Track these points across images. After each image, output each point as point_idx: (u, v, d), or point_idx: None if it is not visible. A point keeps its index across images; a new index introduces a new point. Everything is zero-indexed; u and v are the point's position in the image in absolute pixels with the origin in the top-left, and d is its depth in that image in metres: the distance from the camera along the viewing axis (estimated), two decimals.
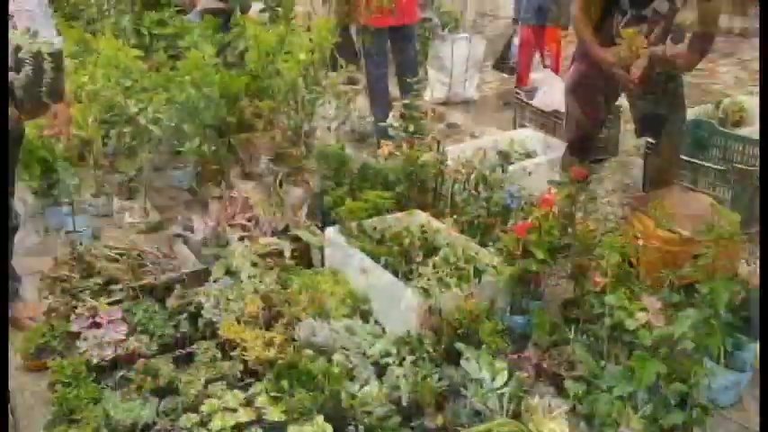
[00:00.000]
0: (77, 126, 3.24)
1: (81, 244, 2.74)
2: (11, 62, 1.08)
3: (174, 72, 3.29)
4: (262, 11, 4.61)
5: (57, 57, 1.12)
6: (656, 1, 2.78)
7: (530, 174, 3.28)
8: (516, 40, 5.25)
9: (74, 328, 2.30)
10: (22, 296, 2.64)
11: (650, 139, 3.21)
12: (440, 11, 5.45)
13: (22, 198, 3.22)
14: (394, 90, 4.59)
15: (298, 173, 3.64)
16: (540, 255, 2.27)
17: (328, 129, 3.66)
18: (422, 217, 2.83)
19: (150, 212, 3.37)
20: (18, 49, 1.08)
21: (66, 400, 1.95)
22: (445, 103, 5.27)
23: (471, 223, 2.73)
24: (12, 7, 2.31)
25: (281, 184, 3.34)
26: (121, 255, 2.78)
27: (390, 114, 4.52)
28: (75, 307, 2.41)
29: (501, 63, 5.60)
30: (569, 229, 2.38)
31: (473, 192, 2.83)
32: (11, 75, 1.08)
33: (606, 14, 2.82)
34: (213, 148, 3.30)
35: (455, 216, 2.79)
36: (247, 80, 3.31)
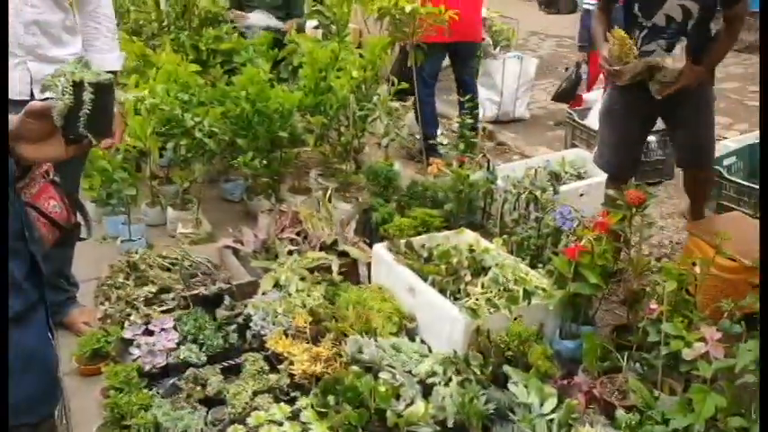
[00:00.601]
0: (136, 138, 3.34)
1: (136, 252, 2.80)
2: (56, 91, 1.11)
3: (230, 87, 3.37)
4: (315, 27, 4.70)
5: (103, 89, 1.11)
6: (665, 6, 2.72)
7: (581, 195, 3.24)
8: (584, 69, 5.14)
9: (127, 334, 2.36)
10: (79, 301, 2.73)
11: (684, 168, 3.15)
12: (492, 30, 5.45)
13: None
14: (444, 107, 4.61)
15: (347, 188, 3.67)
16: (592, 279, 2.22)
17: (378, 145, 3.68)
18: (470, 236, 2.81)
19: (202, 223, 3.44)
20: (62, 77, 1.10)
21: (117, 406, 2.00)
22: (495, 122, 5.25)
23: (521, 244, 2.69)
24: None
25: (330, 199, 3.37)
26: (174, 264, 2.84)
27: (440, 132, 4.55)
28: (130, 314, 2.47)
29: (565, 95, 5.31)
30: (623, 254, 2.32)
31: (523, 212, 2.80)
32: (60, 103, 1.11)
33: (627, 30, 2.77)
34: (265, 162, 3.36)
35: (504, 236, 2.76)
36: (300, 96, 3.36)
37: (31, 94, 2.23)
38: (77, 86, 1.08)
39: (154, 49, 4.26)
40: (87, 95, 1.09)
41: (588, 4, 4.73)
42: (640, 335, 2.12)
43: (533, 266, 2.56)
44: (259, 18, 4.44)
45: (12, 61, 2.18)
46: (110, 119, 1.14)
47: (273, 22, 4.32)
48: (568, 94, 5.21)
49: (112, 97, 1.14)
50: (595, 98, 4.33)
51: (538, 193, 2.80)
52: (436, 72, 4.37)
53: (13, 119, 1.10)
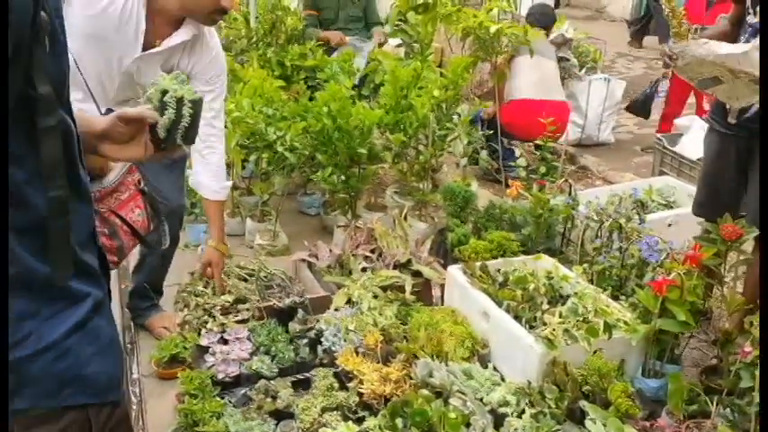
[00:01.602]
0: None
1: None
2: (156, 103, 1.19)
3: (312, 103, 3.42)
4: (398, 46, 4.72)
5: (197, 104, 1.21)
6: None
7: (669, 225, 3.08)
8: (663, 85, 4.97)
9: (204, 342, 2.41)
10: (160, 306, 2.82)
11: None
12: (577, 50, 5.32)
13: None
14: None
15: (423, 207, 3.65)
16: (680, 315, 2.10)
17: (456, 165, 3.64)
18: (548, 262, 2.72)
19: (279, 236, 3.50)
20: (165, 92, 1.18)
21: (191, 412, 2.04)
22: (578, 145, 5.11)
23: (603, 274, 2.58)
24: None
25: (405, 218, 3.35)
26: (251, 275, 2.90)
27: (519, 153, 4.46)
28: (207, 322, 2.53)
29: (638, 108, 5.28)
30: (716, 291, 2.18)
31: (606, 240, 2.69)
32: (154, 114, 1.19)
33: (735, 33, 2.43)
34: (343, 177, 3.38)
35: (585, 264, 2.66)
36: (381, 114, 3.37)
37: None
38: (178, 101, 1.18)
39: (242, 64, 4.40)
40: (187, 110, 1.19)
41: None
42: (732, 378, 1.98)
43: (615, 298, 2.45)
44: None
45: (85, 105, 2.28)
46: (197, 131, 1.25)
47: (361, 60, 4.36)
48: (641, 108, 5.07)
49: (201, 111, 1.25)
50: (687, 124, 4.13)
51: (622, 221, 2.68)
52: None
53: (102, 120, 1.17)
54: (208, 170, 2.43)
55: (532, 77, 4.16)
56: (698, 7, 4.90)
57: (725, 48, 2.11)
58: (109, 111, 2.32)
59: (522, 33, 3.54)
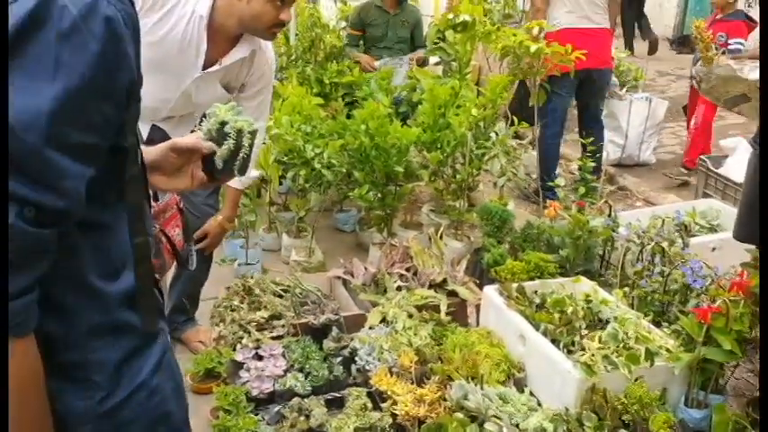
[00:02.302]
0: (259, 165, 3.48)
1: (251, 277, 2.89)
2: (213, 134, 1.19)
3: (350, 120, 3.44)
4: (436, 64, 4.73)
5: (254, 135, 1.21)
6: None
7: (713, 249, 2.99)
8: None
9: (238, 357, 2.42)
10: (196, 320, 2.85)
11: None
12: (618, 69, 5.25)
13: None
14: (562, 147, 4.47)
15: (459, 226, 3.62)
16: (726, 344, 2.03)
17: (494, 184, 3.61)
18: (587, 285, 2.67)
19: (315, 252, 3.51)
20: (224, 123, 1.18)
21: (225, 428, 2.04)
22: (618, 165, 5.02)
23: (644, 298, 2.52)
24: None
25: (441, 237, 3.33)
26: (286, 291, 2.91)
27: (558, 172, 4.40)
28: (242, 337, 2.54)
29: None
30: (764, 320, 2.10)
31: (647, 264, 2.62)
32: (211, 144, 1.19)
33: None
34: (379, 195, 3.39)
35: (625, 288, 2.60)
36: (418, 132, 3.37)
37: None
38: (238, 132, 1.18)
39: (281, 81, 4.46)
40: (246, 140, 1.19)
41: (738, 43, 4.44)
42: None
43: (657, 324, 2.39)
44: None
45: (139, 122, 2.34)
46: (250, 161, 1.25)
47: (400, 78, 4.37)
48: None
49: (255, 141, 1.24)
50: (733, 146, 4.03)
51: (665, 244, 2.62)
52: (566, 109, 4.21)
53: (153, 150, 1.17)
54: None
55: (568, 2, 3.99)
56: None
57: (747, 68, 2.06)
58: (154, 127, 2.36)
59: (563, 50, 3.50)
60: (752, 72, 2.12)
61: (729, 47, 4.40)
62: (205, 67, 2.20)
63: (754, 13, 4.93)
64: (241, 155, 1.18)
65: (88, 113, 0.78)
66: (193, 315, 2.86)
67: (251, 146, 1.19)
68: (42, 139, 0.74)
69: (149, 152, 1.16)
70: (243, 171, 1.21)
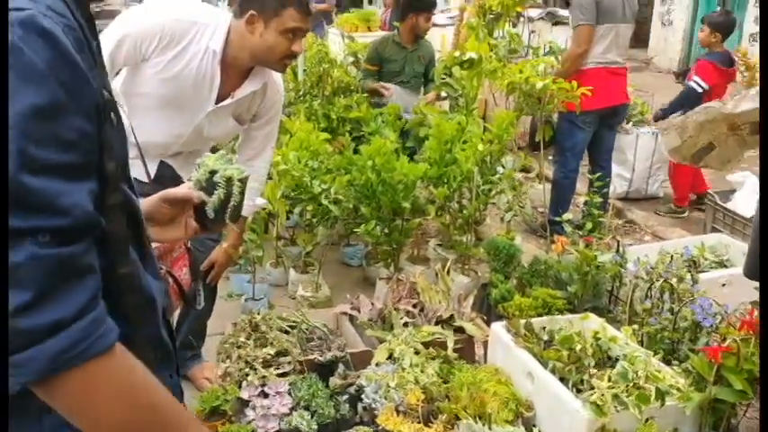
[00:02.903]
0: (266, 197, 3.50)
1: (258, 313, 2.89)
2: (203, 183, 1.20)
3: (357, 156, 3.47)
4: (443, 98, 4.78)
5: (244, 183, 1.22)
6: None
7: (723, 285, 2.97)
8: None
9: (244, 395, 2.40)
10: (203, 356, 2.84)
11: None
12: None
13: None
14: None
15: (466, 261, 3.62)
16: (737, 384, 1.99)
17: (501, 219, 3.61)
18: (596, 322, 2.64)
19: (322, 287, 3.50)
20: (213, 172, 1.19)
21: None
22: (625, 199, 5.02)
23: (653, 336, 2.49)
24: None
25: (448, 272, 3.32)
26: (293, 327, 2.89)
27: (569, 209, 4.40)
28: (248, 374, 2.52)
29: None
30: None
31: (657, 301, 2.60)
32: (201, 194, 1.19)
33: None
34: (386, 230, 3.39)
35: (634, 326, 2.57)
36: (425, 168, 3.39)
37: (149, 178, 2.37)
38: (228, 181, 1.19)
39: (289, 116, 4.51)
40: (236, 189, 1.20)
41: (696, 82, 4.45)
42: None
43: (667, 362, 2.35)
44: (398, 99, 4.56)
45: (147, 158, 2.33)
46: (242, 208, 1.26)
47: (409, 113, 4.42)
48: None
49: (246, 188, 1.26)
50: (741, 180, 4.02)
51: (674, 281, 2.60)
52: (585, 146, 4.23)
53: (145, 201, 1.17)
54: (250, 193, 2.54)
55: (603, 43, 4.04)
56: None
57: (730, 103, 2.06)
58: (162, 163, 2.38)
59: (568, 87, 3.53)
60: (741, 104, 2.09)
61: (688, 83, 4.44)
62: (218, 101, 2.23)
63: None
64: (232, 203, 1.19)
65: (57, 132, 0.75)
66: (200, 350, 2.85)
67: (241, 193, 1.20)
68: (16, 167, 0.71)
69: (142, 203, 1.16)
70: (235, 219, 1.23)
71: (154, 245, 1.41)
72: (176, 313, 2.75)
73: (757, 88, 2.01)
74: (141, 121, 2.14)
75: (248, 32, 2.12)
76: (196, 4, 2.35)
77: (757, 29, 9.63)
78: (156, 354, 0.94)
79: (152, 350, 0.92)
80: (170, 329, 1.04)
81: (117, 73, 2.18)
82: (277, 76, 2.38)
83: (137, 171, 1.93)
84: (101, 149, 0.81)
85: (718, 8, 10.09)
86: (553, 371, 2.35)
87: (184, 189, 1.20)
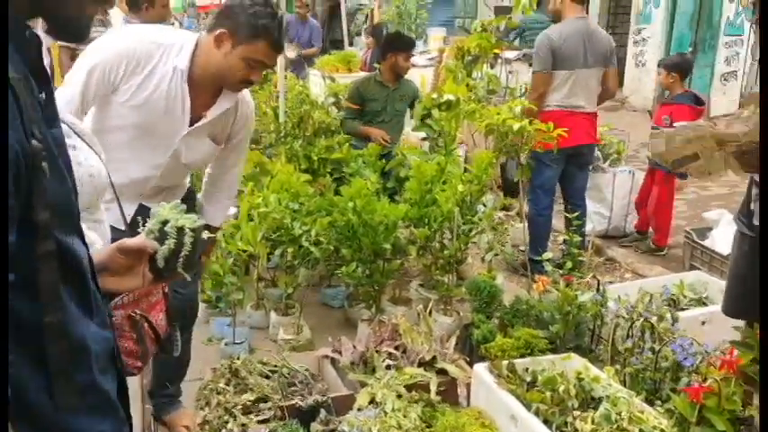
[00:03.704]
0: (247, 242, 3.48)
1: (238, 358, 2.84)
2: (156, 233, 1.19)
3: (338, 198, 3.47)
4: (423, 139, 4.83)
5: (198, 232, 1.22)
6: None
7: (703, 323, 2.99)
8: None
9: None
10: (181, 401, 2.78)
11: None
12: (601, 142, 5.37)
13: None
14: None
15: (448, 301, 3.61)
16: (719, 425, 2.00)
17: (482, 260, 3.62)
18: (579, 362, 2.64)
19: (303, 329, 3.47)
20: (166, 222, 1.20)
21: None
22: (605, 236, 5.07)
23: (636, 376, 2.49)
24: None
25: (430, 312, 3.31)
26: (273, 371, 2.85)
27: (548, 248, 4.43)
28: (227, 422, 2.47)
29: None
30: (756, 399, 2.08)
31: (638, 340, 2.61)
32: (155, 244, 1.19)
33: None
34: (367, 272, 3.38)
35: (617, 366, 2.57)
36: (405, 209, 3.41)
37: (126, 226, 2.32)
38: (179, 231, 1.19)
39: (270, 157, 4.52)
40: (188, 239, 1.20)
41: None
42: None
43: (650, 403, 2.35)
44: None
45: (124, 200, 2.31)
46: (198, 258, 1.26)
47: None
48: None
49: (201, 238, 1.25)
50: (716, 218, 4.09)
51: (654, 320, 2.61)
52: (555, 181, 4.30)
53: (101, 252, 1.17)
54: (221, 206, 2.61)
55: (566, 89, 4.15)
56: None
57: (722, 123, 2.09)
58: (141, 207, 2.35)
59: (546, 128, 3.60)
60: (732, 125, 2.10)
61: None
62: (192, 123, 2.22)
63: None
64: (183, 253, 1.19)
65: None
66: (178, 395, 2.79)
67: (194, 244, 1.19)
68: None
69: (96, 254, 1.15)
70: (189, 269, 1.22)
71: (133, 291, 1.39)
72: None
73: (749, 110, 2.06)
74: (118, 155, 2.12)
75: (214, 47, 2.11)
76: (161, 28, 2.36)
77: (728, 69, 9.92)
78: (86, 400, 0.91)
79: (80, 397, 0.89)
80: (120, 378, 1.02)
81: (88, 110, 2.17)
82: (247, 94, 2.41)
83: (113, 218, 1.91)
84: (28, 200, 0.80)
85: (690, 49, 10.41)
86: (537, 413, 2.33)
87: (139, 239, 1.20)
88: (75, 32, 0.90)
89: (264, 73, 6.86)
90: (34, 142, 0.81)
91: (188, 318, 2.65)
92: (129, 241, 1.19)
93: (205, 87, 2.21)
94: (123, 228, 1.64)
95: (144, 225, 1.21)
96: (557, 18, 4.31)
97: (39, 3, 0.84)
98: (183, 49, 2.15)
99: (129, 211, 2.30)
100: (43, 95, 0.88)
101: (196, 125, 2.22)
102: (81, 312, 0.91)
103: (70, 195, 0.91)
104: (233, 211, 2.72)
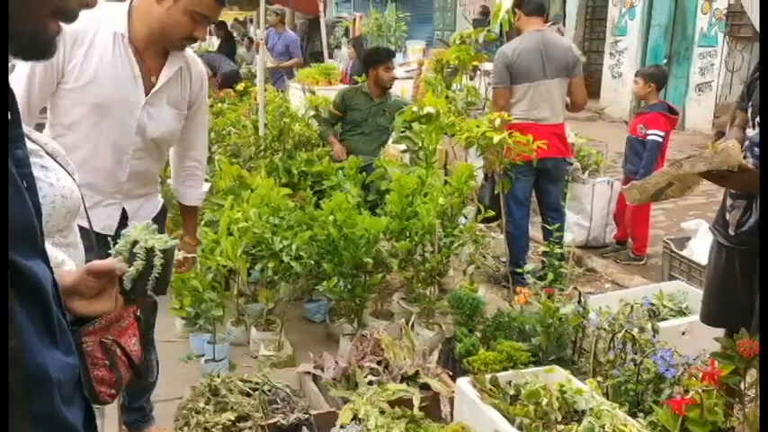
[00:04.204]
0: (226, 257, 3.44)
1: (218, 376, 2.80)
2: (126, 254, 1.17)
3: (318, 212, 3.45)
4: (404, 152, 4.82)
5: (169, 254, 1.19)
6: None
7: (683, 333, 3.01)
8: None
9: None
10: (154, 418, 2.73)
11: None
12: (579, 153, 5.42)
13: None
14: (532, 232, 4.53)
15: (430, 314, 3.59)
16: None
17: (464, 272, 3.62)
18: (561, 375, 2.64)
19: (284, 345, 3.43)
20: (135, 243, 1.17)
21: None
22: (584, 247, 5.10)
23: (618, 388, 2.49)
24: None
25: (412, 326, 3.29)
26: (254, 389, 2.81)
27: (529, 259, 4.44)
28: None
29: None
30: (737, 410, 2.09)
31: (620, 352, 2.61)
32: (124, 266, 1.17)
33: None
34: (349, 286, 3.36)
35: (599, 378, 2.57)
36: (387, 222, 3.39)
37: (116, 232, 2.22)
38: (148, 252, 1.16)
39: (250, 170, 4.49)
40: (158, 260, 1.16)
41: (655, 134, 4.61)
42: None
43: (633, 414, 2.35)
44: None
45: (106, 200, 2.25)
46: (170, 279, 1.21)
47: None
48: None
49: (173, 260, 1.21)
50: (694, 227, 4.13)
51: (635, 331, 2.62)
52: (528, 194, 4.31)
53: (69, 274, 1.13)
54: (193, 182, 2.54)
55: (527, 102, 4.17)
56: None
57: (698, 165, 2.14)
58: (124, 215, 2.30)
59: (525, 140, 3.61)
60: (696, 164, 2.15)
61: (648, 137, 4.62)
62: (147, 92, 2.19)
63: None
64: (153, 275, 1.15)
65: None
66: (150, 410, 2.75)
67: (164, 265, 1.16)
68: None
69: (65, 276, 1.12)
70: (159, 291, 1.18)
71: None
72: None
73: (709, 149, 2.10)
74: (87, 147, 2.11)
75: (156, 3, 2.07)
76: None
77: (703, 80, 10.09)
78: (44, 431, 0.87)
79: (37, 428, 0.86)
80: (87, 407, 0.98)
81: (36, 111, 2.13)
82: (193, 56, 2.36)
83: (101, 224, 1.88)
84: None
85: (665, 61, 10.58)
86: (520, 427, 2.32)
87: (108, 261, 1.17)
88: (35, 51, 0.87)
89: (243, 85, 6.89)
90: None
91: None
92: (97, 263, 1.15)
93: (150, 50, 2.18)
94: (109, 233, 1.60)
95: (115, 245, 1.18)
96: (518, 33, 4.36)
97: None
98: (119, 15, 2.12)
99: (114, 216, 2.26)
100: (9, 116, 0.85)
101: (153, 91, 2.19)
102: (43, 338, 0.87)
103: (31, 216, 0.88)
104: (206, 186, 2.68)
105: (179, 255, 1.25)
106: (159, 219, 2.44)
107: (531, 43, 4.13)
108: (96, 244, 1.59)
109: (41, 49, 0.87)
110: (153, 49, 2.19)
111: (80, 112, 2.13)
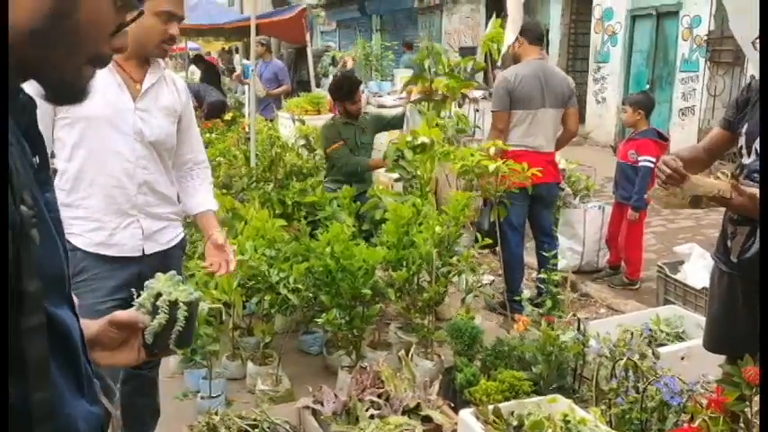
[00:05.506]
0: (221, 291, 3.40)
1: (216, 413, 2.75)
2: (149, 307, 1.15)
3: (315, 243, 3.43)
4: (397, 180, 4.83)
5: (193, 306, 1.16)
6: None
7: (682, 358, 3.01)
8: None
9: None
10: None
11: None
12: (569, 179, 5.46)
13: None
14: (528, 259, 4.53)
15: (428, 344, 3.56)
16: None
17: (462, 301, 3.60)
18: (564, 404, 2.62)
19: (282, 380, 3.38)
20: (159, 295, 1.14)
21: None
22: (578, 272, 5.10)
23: (622, 417, 2.48)
24: None
25: (411, 357, 3.26)
26: (253, 426, 2.76)
27: (524, 285, 4.44)
28: None
29: None
30: None
31: (622, 380, 2.60)
32: (147, 318, 1.15)
33: None
34: (346, 318, 3.33)
35: (602, 406, 2.55)
36: (384, 252, 3.38)
37: (143, 252, 2.31)
38: (172, 305, 1.13)
39: (242, 202, 4.47)
40: (181, 314, 1.13)
41: (647, 160, 4.66)
42: None
43: None
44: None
45: (124, 221, 2.29)
46: (193, 333, 1.18)
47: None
48: None
49: (197, 312, 1.18)
50: (688, 252, 4.16)
51: (636, 358, 2.61)
52: (523, 221, 4.33)
53: (92, 324, 1.11)
54: (204, 190, 2.57)
55: (523, 129, 4.21)
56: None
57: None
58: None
59: (520, 168, 3.63)
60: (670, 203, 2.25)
61: (639, 164, 4.68)
62: (134, 98, 2.25)
63: None
64: (176, 329, 1.12)
65: None
66: None
67: (187, 318, 1.13)
68: None
69: (89, 326, 1.09)
70: (182, 345, 1.15)
71: None
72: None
73: (679, 191, 2.16)
74: (90, 165, 2.18)
75: None
76: None
77: (686, 105, 10.25)
78: None
79: None
80: None
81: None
82: (171, 74, 2.43)
83: (131, 244, 1.92)
84: (17, 269, 0.74)
85: (648, 86, 10.75)
86: None
87: (130, 313, 1.14)
88: (71, 96, 0.87)
89: (232, 115, 6.92)
90: (23, 208, 0.76)
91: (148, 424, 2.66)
92: (120, 314, 1.13)
93: (130, 62, 2.24)
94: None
95: (138, 296, 1.15)
96: (516, 61, 4.42)
97: (31, 66, 0.81)
98: None
99: (136, 235, 2.26)
100: (36, 159, 0.84)
101: (140, 95, 2.25)
102: (71, 389, 0.85)
103: (62, 263, 0.86)
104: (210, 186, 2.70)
105: (203, 307, 1.22)
106: (177, 250, 2.47)
107: (531, 70, 4.19)
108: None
109: (77, 95, 0.88)
110: (133, 62, 2.26)
111: (78, 131, 2.17)
